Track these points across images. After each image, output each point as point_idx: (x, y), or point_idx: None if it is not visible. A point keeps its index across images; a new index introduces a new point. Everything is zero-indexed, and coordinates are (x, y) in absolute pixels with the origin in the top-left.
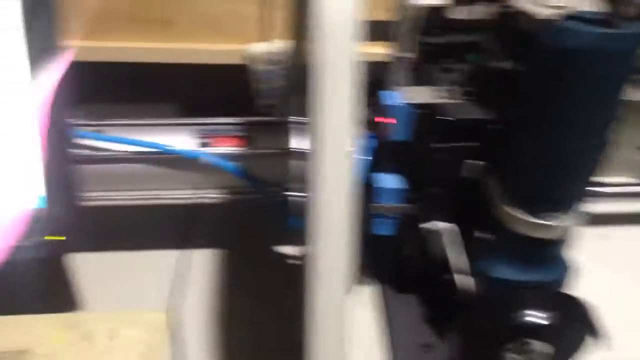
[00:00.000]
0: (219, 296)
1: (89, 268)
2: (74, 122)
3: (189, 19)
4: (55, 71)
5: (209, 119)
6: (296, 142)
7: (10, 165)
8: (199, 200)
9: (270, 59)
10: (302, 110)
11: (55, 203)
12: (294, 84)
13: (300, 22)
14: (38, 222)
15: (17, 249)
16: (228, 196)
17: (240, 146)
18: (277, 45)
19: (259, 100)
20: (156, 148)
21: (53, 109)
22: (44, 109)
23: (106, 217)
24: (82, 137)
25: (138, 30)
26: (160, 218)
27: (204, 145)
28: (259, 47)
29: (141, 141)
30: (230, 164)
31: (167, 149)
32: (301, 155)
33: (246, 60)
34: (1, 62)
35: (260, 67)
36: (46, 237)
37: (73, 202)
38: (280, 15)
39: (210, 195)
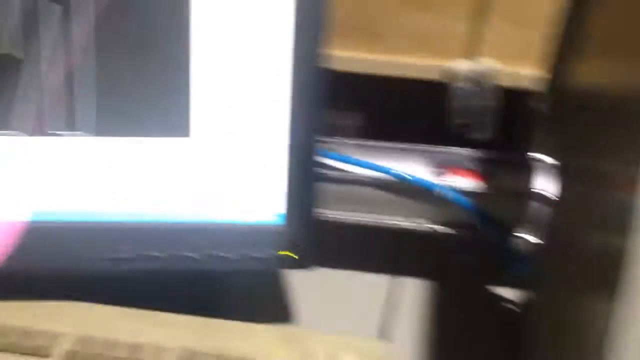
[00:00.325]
0: (428, 330)
1: (304, 282)
2: (319, 139)
3: (396, 32)
4: (311, 83)
5: (445, 147)
6: (540, 183)
7: (254, 177)
8: (420, 228)
9: (472, 78)
10: (551, 148)
11: (293, 220)
12: (546, 114)
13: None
14: (273, 236)
15: (248, 260)
16: (451, 229)
17: (477, 180)
18: (482, 63)
19: (452, 119)
20: (393, 175)
21: (303, 122)
22: (296, 122)
23: (328, 235)
24: (324, 156)
25: (344, 39)
26: (377, 241)
27: (439, 174)
28: (462, 65)
29: (379, 166)
30: (465, 199)
31: (403, 177)
32: (543, 198)
33: (446, 77)
34: (264, 72)
35: (460, 84)
36: (279, 252)
37: (310, 220)
38: (493, 33)
39: (432, 226)
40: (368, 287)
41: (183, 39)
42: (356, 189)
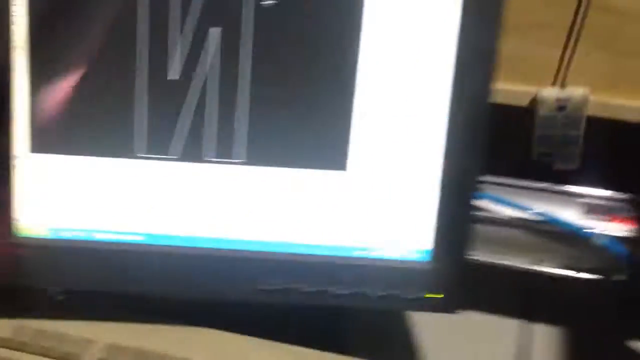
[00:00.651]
0: None
1: (432, 322)
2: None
3: None
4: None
5: (595, 190)
6: None
7: (404, 213)
8: (565, 274)
9: (559, 105)
10: None
11: (440, 259)
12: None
13: None
14: (420, 275)
15: (393, 299)
16: (598, 275)
17: (630, 226)
18: (570, 91)
19: (535, 147)
20: (545, 218)
21: (459, 159)
22: (451, 158)
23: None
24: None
25: None
26: (506, 282)
27: (590, 219)
28: (550, 92)
29: (530, 208)
30: (619, 246)
31: (556, 220)
32: None
33: (533, 103)
34: (422, 110)
35: (546, 112)
36: (426, 295)
37: (459, 260)
38: (582, 60)
39: (578, 273)
40: (501, 331)
41: (350, 75)
42: (499, 230)
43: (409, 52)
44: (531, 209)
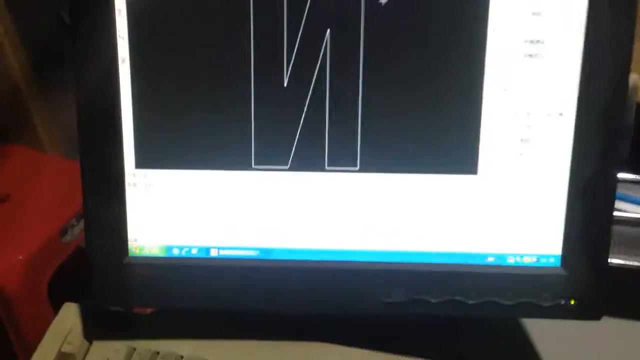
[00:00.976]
0: None
1: (553, 328)
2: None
3: None
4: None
5: None
6: None
7: (533, 218)
8: None
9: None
10: None
11: (572, 263)
12: None
13: None
14: (552, 282)
15: (524, 306)
16: None
17: None
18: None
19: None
20: None
21: (589, 158)
22: (580, 158)
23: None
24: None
25: None
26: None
27: None
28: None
29: None
30: None
31: None
32: None
33: None
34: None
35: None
36: (559, 302)
37: (592, 264)
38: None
39: None
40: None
41: (477, 74)
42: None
43: (537, 47)
44: None
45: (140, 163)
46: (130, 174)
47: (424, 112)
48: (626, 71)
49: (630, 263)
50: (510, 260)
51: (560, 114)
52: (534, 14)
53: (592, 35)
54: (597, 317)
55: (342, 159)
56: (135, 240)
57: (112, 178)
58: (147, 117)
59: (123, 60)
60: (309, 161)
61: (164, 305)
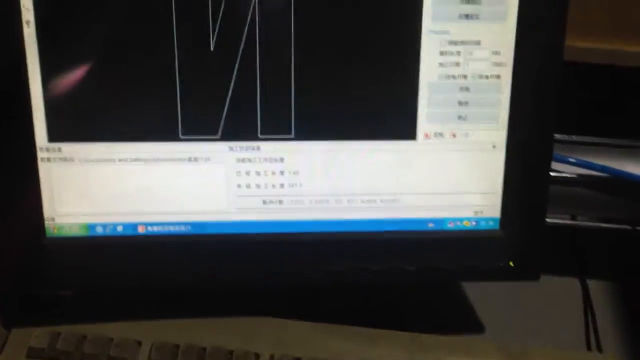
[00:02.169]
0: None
1: (489, 290)
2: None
3: None
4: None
5: None
6: None
7: (471, 181)
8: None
9: None
10: None
11: (510, 226)
12: None
13: None
14: (490, 245)
15: (465, 271)
16: None
17: None
18: None
19: None
20: (612, 174)
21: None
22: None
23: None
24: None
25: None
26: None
27: None
28: None
29: (602, 166)
30: None
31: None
32: None
33: None
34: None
35: None
36: (497, 264)
37: (530, 226)
38: None
39: None
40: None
41: (415, 35)
42: (568, 189)
43: (472, 8)
44: (597, 165)
45: (54, 136)
46: (42, 148)
47: (360, 77)
48: (562, 32)
49: (564, 222)
50: (450, 225)
51: (497, 76)
52: None
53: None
54: (535, 278)
55: (276, 127)
56: (53, 220)
57: (22, 153)
58: (59, 85)
59: (28, 23)
60: (241, 130)
61: (88, 287)
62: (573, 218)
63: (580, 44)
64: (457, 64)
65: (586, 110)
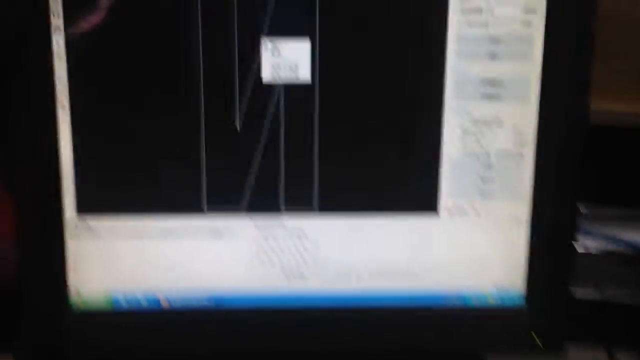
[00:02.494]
0: None
1: None
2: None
3: None
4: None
5: None
6: None
7: (495, 256)
8: None
9: None
10: None
11: (535, 301)
12: None
13: None
14: (515, 319)
15: (489, 344)
16: None
17: None
18: None
19: None
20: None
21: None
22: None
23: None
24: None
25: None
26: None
27: None
28: None
29: (628, 242)
30: None
31: None
32: None
33: None
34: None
35: None
36: (523, 339)
37: (554, 301)
38: None
39: None
40: None
41: (438, 113)
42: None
43: (494, 89)
44: (622, 241)
45: (82, 210)
46: (71, 222)
47: (382, 153)
48: (585, 111)
49: (590, 296)
50: (474, 301)
51: (520, 154)
52: (490, 56)
53: (549, 75)
54: (560, 349)
55: (299, 201)
56: (78, 292)
57: (51, 227)
58: (89, 161)
59: (62, 103)
60: (264, 204)
61: None
62: (600, 291)
63: (608, 107)
64: (480, 142)
65: (612, 180)
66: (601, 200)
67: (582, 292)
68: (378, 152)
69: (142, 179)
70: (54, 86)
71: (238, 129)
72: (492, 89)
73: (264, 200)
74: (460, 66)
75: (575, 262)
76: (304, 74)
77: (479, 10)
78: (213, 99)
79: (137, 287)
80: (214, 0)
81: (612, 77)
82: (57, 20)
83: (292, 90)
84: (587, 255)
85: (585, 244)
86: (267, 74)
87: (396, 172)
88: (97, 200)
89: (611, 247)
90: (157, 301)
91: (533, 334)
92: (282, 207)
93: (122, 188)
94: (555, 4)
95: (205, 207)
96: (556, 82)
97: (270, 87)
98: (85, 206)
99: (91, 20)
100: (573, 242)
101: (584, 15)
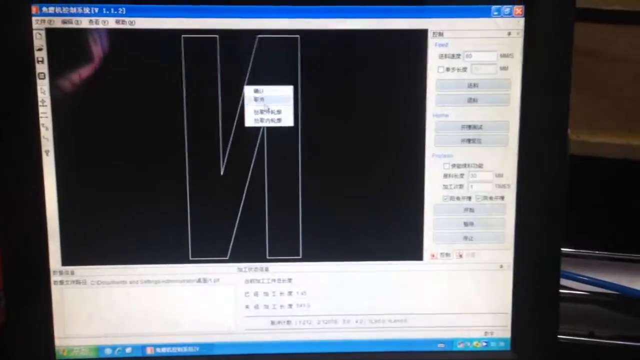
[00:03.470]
0: None
1: None
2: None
3: None
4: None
5: None
6: None
7: (479, 300)
8: None
9: None
10: None
11: (522, 346)
12: None
13: None
14: None
15: None
16: None
17: None
18: None
19: None
20: (625, 293)
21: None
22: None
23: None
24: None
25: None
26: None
27: None
28: None
29: (614, 284)
30: None
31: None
32: None
33: None
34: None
35: None
36: None
37: (542, 347)
38: None
39: None
40: None
41: (419, 158)
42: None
43: (474, 132)
44: (608, 284)
45: (68, 260)
46: (56, 271)
47: (366, 200)
48: (564, 153)
49: (580, 339)
50: (460, 346)
51: (501, 197)
52: (469, 100)
53: (527, 118)
54: None
55: (284, 249)
56: (63, 342)
57: (36, 276)
58: (74, 212)
59: (47, 152)
60: (249, 251)
61: None
62: (591, 334)
63: (591, 139)
64: (461, 186)
65: (597, 221)
66: (584, 239)
67: (570, 336)
68: (361, 199)
69: (127, 229)
70: (39, 133)
71: (222, 173)
72: (472, 132)
73: (249, 247)
74: (440, 111)
75: (560, 306)
76: (287, 117)
77: (457, 56)
78: (197, 145)
79: (123, 336)
80: (197, 53)
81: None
82: (41, 67)
83: (276, 138)
84: (574, 299)
85: (571, 286)
86: (250, 117)
87: (380, 219)
88: (82, 250)
89: (597, 289)
90: (143, 349)
91: None
92: (267, 254)
93: (108, 239)
94: (531, 47)
95: (190, 255)
96: (535, 125)
97: (253, 130)
98: (70, 256)
99: (76, 68)
100: (558, 286)
101: (561, 56)
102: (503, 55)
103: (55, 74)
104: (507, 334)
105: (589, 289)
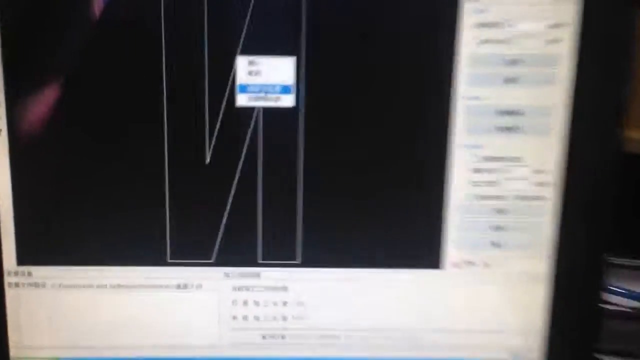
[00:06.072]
0: None
1: None
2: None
3: None
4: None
5: None
6: None
7: (510, 312)
8: None
9: None
10: None
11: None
12: None
13: None
14: None
15: None
16: None
17: None
18: None
19: None
20: None
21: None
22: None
23: None
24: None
25: None
26: None
27: None
28: None
29: None
30: None
31: None
32: None
33: None
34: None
35: None
36: None
37: None
38: None
39: None
40: None
41: (443, 148)
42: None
43: (513, 119)
44: None
45: (24, 259)
46: (10, 272)
47: (378, 197)
48: (619, 146)
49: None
50: None
51: (540, 198)
52: (507, 81)
53: (578, 103)
54: None
55: (280, 252)
56: (20, 352)
57: None
58: (31, 204)
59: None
60: (238, 254)
61: None
62: (630, 355)
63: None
64: (492, 183)
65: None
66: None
67: (611, 356)
68: (372, 196)
69: (94, 225)
70: None
71: (207, 161)
72: (509, 119)
73: (237, 249)
74: (472, 93)
75: (602, 325)
76: (287, 96)
77: (497, 25)
78: (178, 128)
79: (88, 348)
80: (180, 14)
81: None
82: None
83: (273, 120)
84: (615, 315)
85: (612, 301)
86: (243, 95)
87: (393, 219)
88: (41, 249)
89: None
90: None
91: None
92: (259, 258)
93: (70, 236)
94: (588, 16)
95: (168, 257)
96: (586, 112)
97: (246, 111)
98: (27, 255)
99: (35, 26)
100: (601, 302)
101: (623, 31)
102: (553, 26)
103: (6, 29)
104: (536, 356)
105: (632, 304)
